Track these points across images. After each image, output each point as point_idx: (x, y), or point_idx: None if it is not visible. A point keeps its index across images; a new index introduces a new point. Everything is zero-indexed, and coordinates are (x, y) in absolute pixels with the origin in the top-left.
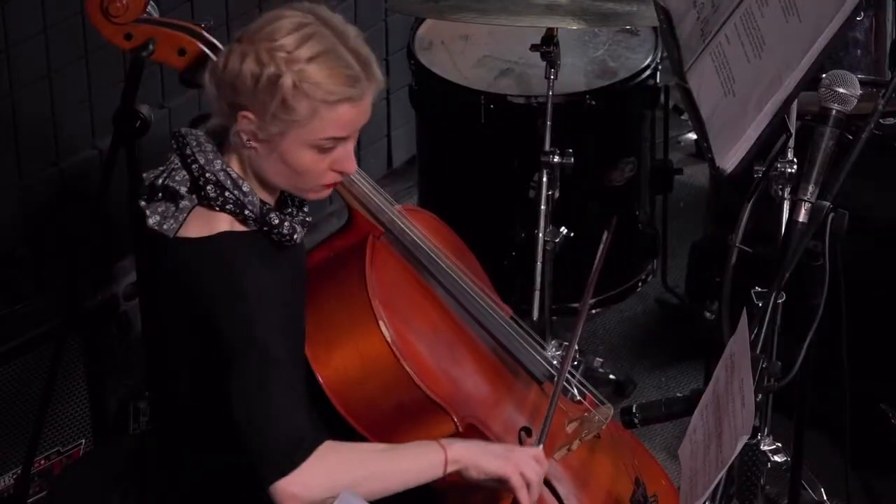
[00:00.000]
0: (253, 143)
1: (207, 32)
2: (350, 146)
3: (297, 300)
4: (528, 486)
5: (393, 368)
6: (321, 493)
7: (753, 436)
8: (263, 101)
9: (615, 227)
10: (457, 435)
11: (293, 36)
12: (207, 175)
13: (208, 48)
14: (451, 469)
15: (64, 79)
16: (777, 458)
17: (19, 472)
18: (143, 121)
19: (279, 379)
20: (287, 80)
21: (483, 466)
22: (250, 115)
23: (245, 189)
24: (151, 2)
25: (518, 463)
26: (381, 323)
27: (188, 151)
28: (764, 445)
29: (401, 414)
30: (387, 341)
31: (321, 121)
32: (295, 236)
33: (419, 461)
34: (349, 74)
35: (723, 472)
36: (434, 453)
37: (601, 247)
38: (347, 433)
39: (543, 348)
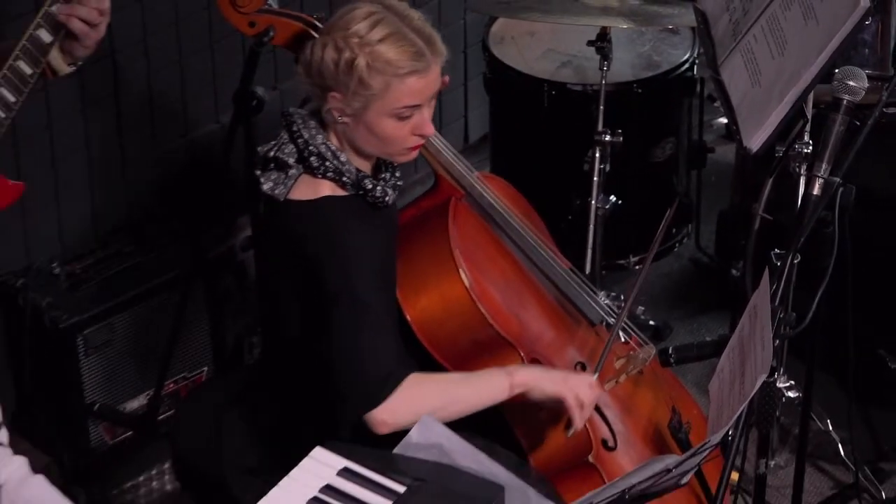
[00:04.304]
0: (343, 119)
1: (319, 22)
2: (426, 112)
3: (390, 254)
4: (581, 406)
5: (470, 310)
6: (408, 419)
7: (771, 375)
8: (345, 81)
9: (676, 206)
10: None
11: (364, 23)
12: (311, 148)
13: None
14: (516, 391)
15: (192, 64)
16: (790, 394)
17: (152, 393)
18: (258, 100)
19: (371, 322)
20: (361, 62)
21: (543, 388)
22: (337, 95)
23: (342, 159)
24: None
25: (573, 386)
26: (461, 271)
27: (295, 128)
28: (780, 383)
29: (476, 348)
30: (466, 286)
31: (395, 92)
32: (387, 198)
33: (489, 386)
34: (414, 51)
35: (745, 405)
36: (502, 379)
37: (664, 221)
38: (431, 364)
39: (596, 295)
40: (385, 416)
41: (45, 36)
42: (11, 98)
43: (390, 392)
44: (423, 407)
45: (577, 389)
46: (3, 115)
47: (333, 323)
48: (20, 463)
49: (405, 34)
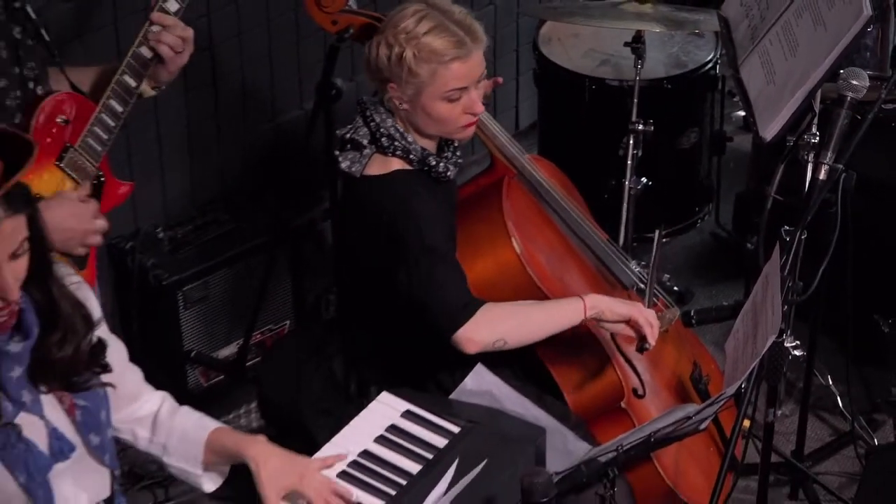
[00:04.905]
0: (403, 106)
1: None
2: (473, 93)
3: (451, 222)
4: (651, 326)
5: (521, 274)
6: (490, 336)
7: (780, 335)
8: (397, 73)
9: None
10: None
11: (411, 20)
12: (382, 130)
13: None
14: (589, 314)
15: (280, 58)
16: (796, 353)
17: (241, 342)
18: (337, 90)
19: (445, 265)
20: (409, 54)
21: (616, 309)
22: (393, 85)
23: (409, 139)
24: None
25: (641, 310)
26: (513, 239)
27: (368, 114)
28: (787, 343)
29: None
30: (517, 253)
31: (441, 78)
32: (449, 173)
33: (564, 309)
34: (456, 40)
35: (756, 362)
36: (575, 302)
37: (656, 242)
38: None
39: (629, 262)
40: (469, 334)
41: (145, 52)
42: (119, 108)
43: (472, 313)
44: (502, 325)
45: (645, 312)
46: (112, 124)
47: (413, 269)
48: (165, 396)
49: (447, 26)
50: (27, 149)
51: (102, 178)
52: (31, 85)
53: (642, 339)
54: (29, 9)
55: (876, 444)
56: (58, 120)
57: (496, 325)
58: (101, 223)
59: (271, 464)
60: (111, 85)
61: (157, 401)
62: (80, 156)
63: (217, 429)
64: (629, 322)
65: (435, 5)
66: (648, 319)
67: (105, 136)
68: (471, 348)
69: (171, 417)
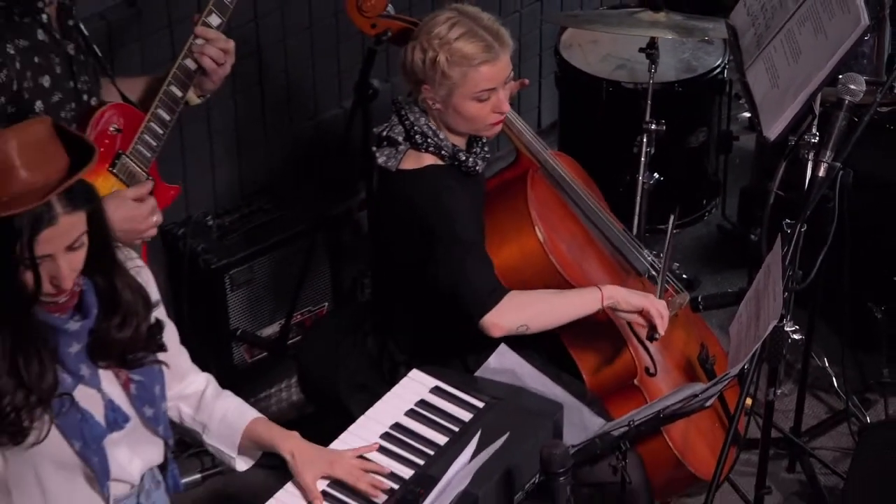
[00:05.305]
0: (436, 105)
1: None
2: (501, 93)
3: (480, 213)
4: (662, 317)
5: (543, 260)
6: (514, 322)
7: (780, 320)
8: (431, 75)
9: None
10: None
11: (444, 26)
12: (416, 128)
13: None
14: (606, 304)
15: (322, 60)
16: (795, 336)
17: (283, 322)
18: (374, 90)
19: (474, 254)
20: (442, 58)
21: (631, 300)
22: (427, 87)
23: (441, 136)
24: (389, 3)
25: (654, 301)
26: (536, 228)
27: (403, 113)
28: (787, 327)
29: None
30: (540, 241)
31: (472, 79)
32: (477, 167)
33: (582, 298)
34: (485, 44)
35: (758, 344)
36: (593, 292)
37: (669, 229)
38: None
39: (642, 250)
40: (495, 319)
41: (190, 64)
42: (167, 117)
43: (498, 300)
44: (526, 311)
45: (657, 304)
46: (161, 132)
47: (443, 258)
48: (210, 378)
49: (476, 31)
50: (89, 152)
51: (152, 182)
52: (85, 97)
53: (653, 328)
54: (82, 26)
55: (868, 421)
56: (110, 129)
57: (520, 312)
58: (157, 219)
59: (306, 455)
60: (159, 95)
61: (202, 382)
62: (131, 162)
63: (255, 419)
64: (642, 312)
65: (465, 13)
66: (660, 311)
67: (154, 143)
68: (496, 332)
69: (215, 400)
